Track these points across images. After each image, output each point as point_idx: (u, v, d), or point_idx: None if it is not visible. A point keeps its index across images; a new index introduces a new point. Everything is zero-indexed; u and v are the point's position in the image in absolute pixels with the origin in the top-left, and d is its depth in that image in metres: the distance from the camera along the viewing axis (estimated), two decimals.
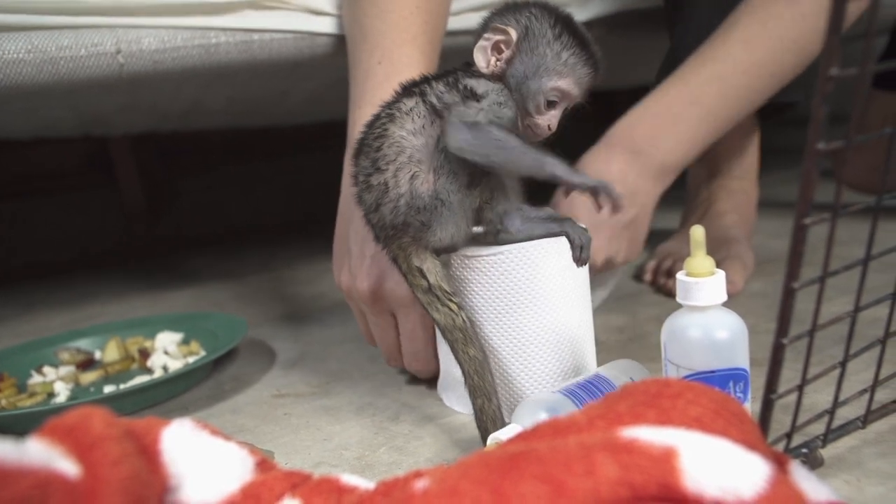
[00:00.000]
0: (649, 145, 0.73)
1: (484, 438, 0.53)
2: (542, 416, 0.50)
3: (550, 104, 0.56)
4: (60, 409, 0.66)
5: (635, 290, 0.91)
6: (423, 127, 0.54)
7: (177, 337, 0.84)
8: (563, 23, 0.56)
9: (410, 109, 0.55)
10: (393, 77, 0.61)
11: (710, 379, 0.46)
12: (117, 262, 1.44)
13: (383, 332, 0.65)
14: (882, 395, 0.52)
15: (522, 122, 0.57)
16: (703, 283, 0.47)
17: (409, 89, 0.57)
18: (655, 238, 1.00)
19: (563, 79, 0.56)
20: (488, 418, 0.53)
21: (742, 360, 0.46)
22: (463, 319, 0.54)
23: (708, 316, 0.47)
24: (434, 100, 0.55)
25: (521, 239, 0.56)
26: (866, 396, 0.50)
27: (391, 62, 0.64)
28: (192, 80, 0.81)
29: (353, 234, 0.63)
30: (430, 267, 0.55)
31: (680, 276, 0.48)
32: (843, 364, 0.46)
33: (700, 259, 0.47)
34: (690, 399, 0.33)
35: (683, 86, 0.75)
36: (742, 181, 0.96)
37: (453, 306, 0.55)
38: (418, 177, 0.54)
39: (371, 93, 0.63)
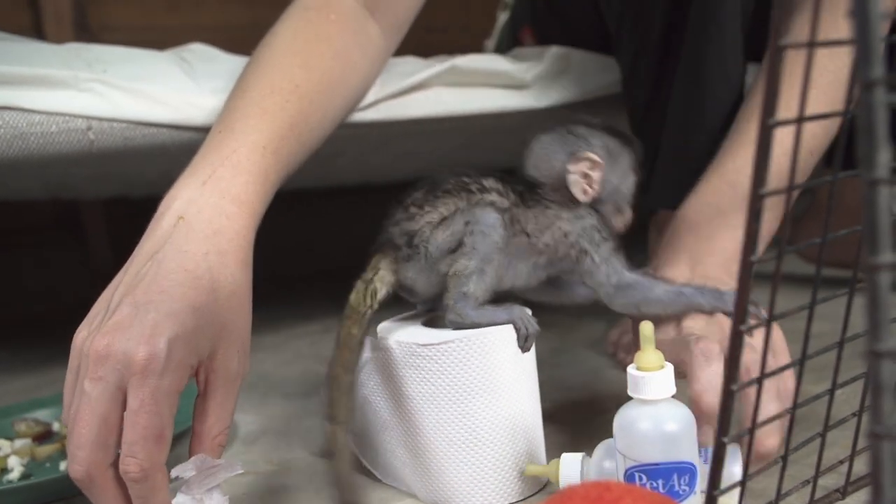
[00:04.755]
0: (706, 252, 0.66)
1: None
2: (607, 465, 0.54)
3: None
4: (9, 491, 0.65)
5: (595, 365, 0.92)
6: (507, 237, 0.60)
7: None
8: (609, 129, 0.63)
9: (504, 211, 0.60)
10: (226, 143, 0.60)
11: (655, 471, 0.47)
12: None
13: (94, 402, 0.50)
14: (826, 481, 0.54)
15: (615, 222, 0.63)
16: (652, 378, 0.48)
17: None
18: None
19: (636, 171, 0.63)
20: (341, 390, 0.56)
21: (688, 453, 0.48)
22: (369, 306, 0.59)
23: (657, 409, 0.49)
24: (524, 225, 0.60)
25: (467, 325, 0.58)
26: (810, 486, 0.51)
27: (231, 131, 0.61)
28: (163, 155, 0.83)
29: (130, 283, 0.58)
30: (385, 276, 0.60)
31: (630, 369, 0.49)
32: (784, 458, 0.47)
33: (649, 353, 0.49)
34: None
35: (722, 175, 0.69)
36: None
37: (369, 298, 0.59)
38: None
39: (197, 160, 0.60)
